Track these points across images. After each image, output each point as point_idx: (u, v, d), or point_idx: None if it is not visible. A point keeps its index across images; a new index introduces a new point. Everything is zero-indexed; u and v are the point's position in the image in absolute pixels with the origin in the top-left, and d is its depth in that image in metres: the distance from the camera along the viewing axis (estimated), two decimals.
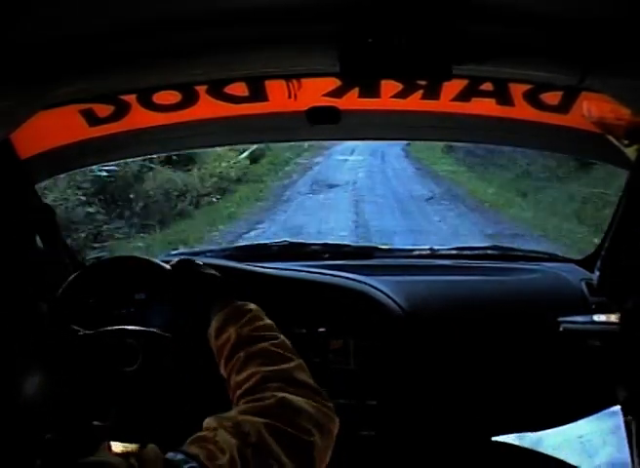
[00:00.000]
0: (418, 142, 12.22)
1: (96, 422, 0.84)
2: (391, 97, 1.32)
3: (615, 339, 1.27)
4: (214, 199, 9.70)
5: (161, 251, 6.35)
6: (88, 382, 1.01)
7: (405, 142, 11.24)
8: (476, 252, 2.02)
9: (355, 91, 1.32)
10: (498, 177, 10.23)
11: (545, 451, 1.36)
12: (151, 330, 1.23)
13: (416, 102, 1.34)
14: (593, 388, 1.42)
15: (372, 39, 0.94)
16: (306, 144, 11.48)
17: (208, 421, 0.92)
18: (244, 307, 1.16)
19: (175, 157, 8.25)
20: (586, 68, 0.98)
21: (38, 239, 1.41)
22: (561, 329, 1.46)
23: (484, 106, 1.34)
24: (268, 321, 1.15)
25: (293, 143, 9.44)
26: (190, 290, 1.27)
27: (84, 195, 6.98)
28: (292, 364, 1.03)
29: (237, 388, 1.01)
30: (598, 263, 1.13)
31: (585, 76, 1.00)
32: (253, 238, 7.44)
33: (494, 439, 1.45)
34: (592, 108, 1.15)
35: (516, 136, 1.55)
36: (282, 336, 1.10)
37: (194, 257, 1.86)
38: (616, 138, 1.13)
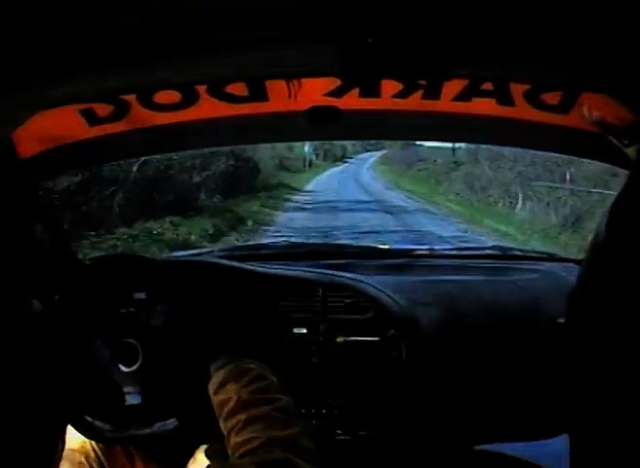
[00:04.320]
0: None
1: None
2: (392, 96, 1.32)
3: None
4: None
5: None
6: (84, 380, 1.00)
7: None
8: (476, 252, 2.03)
9: (355, 90, 1.32)
10: None
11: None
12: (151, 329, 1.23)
13: (416, 102, 1.33)
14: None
15: (372, 39, 0.94)
16: None
17: None
18: (246, 366, 1.12)
19: None
20: (586, 68, 0.97)
21: (37, 239, 1.41)
22: (561, 329, 1.45)
23: (484, 106, 1.34)
24: (272, 379, 1.11)
25: None
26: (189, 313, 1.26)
27: None
28: (294, 429, 0.99)
29: (237, 448, 0.98)
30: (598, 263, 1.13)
31: (585, 76, 1.00)
32: None
33: (492, 440, 1.45)
34: (592, 108, 1.15)
35: (516, 136, 1.55)
36: (285, 397, 1.06)
37: (195, 258, 1.87)
38: (616, 138, 1.13)
